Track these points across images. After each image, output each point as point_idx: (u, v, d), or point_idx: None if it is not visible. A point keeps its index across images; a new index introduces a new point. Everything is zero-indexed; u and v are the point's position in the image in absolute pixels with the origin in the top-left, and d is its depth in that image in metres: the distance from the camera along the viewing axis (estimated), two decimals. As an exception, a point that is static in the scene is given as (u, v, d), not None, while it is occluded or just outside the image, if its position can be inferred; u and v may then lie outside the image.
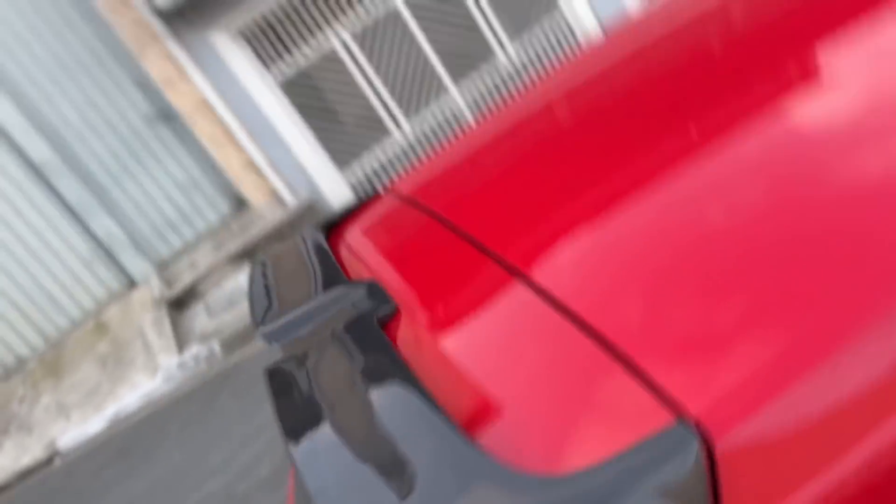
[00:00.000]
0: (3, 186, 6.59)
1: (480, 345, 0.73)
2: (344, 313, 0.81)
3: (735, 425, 0.52)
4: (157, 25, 6.14)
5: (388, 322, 0.81)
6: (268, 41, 6.61)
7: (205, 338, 5.90)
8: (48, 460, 5.59)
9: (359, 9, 6.74)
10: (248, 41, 6.56)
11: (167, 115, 6.94)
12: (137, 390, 5.66)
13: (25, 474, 5.59)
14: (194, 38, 6.34)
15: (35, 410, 6.25)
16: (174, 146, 7.01)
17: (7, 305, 6.80)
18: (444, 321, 0.77)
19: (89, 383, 6.17)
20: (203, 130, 6.53)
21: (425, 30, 6.85)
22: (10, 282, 6.76)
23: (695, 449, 0.49)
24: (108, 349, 6.42)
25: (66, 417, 5.90)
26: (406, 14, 6.82)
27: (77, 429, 5.65)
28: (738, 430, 0.51)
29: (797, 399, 0.49)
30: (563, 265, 0.76)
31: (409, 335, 0.78)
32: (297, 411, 0.67)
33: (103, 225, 6.85)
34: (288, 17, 6.63)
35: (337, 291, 0.85)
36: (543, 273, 0.76)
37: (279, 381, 0.76)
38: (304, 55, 6.68)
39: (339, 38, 6.75)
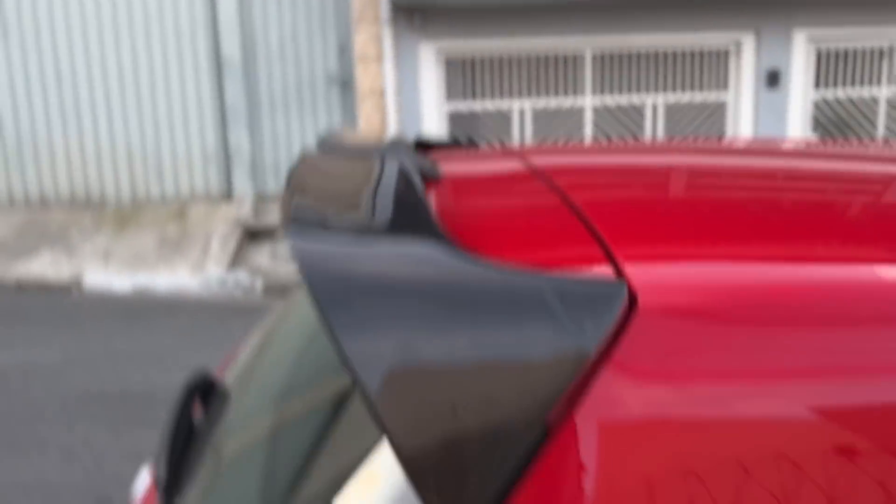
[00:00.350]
0: (186, 60, 7.13)
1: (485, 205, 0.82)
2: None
3: (657, 297, 0.58)
4: (385, 10, 6.63)
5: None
6: (463, 76, 6.98)
7: (254, 272, 6.09)
8: (68, 288, 5.84)
9: (552, 93, 7.04)
10: (447, 67, 6.95)
11: (344, 83, 7.36)
12: (174, 278, 5.87)
13: (44, 287, 5.85)
14: (407, 36, 6.78)
15: (85, 244, 6.57)
16: (333, 109, 7.41)
17: (125, 153, 7.26)
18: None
19: (141, 249, 6.45)
20: (365, 112, 6.89)
21: (596, 129, 7.08)
22: (138, 134, 7.23)
23: (622, 295, 0.56)
24: (175, 234, 6.71)
25: (105, 264, 6.16)
26: (588, 114, 7.07)
27: (107, 277, 5.90)
28: (657, 300, 0.57)
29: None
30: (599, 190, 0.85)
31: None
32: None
33: (238, 136, 7.25)
34: (492, 65, 6.99)
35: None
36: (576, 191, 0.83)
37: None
38: (484, 102, 7.01)
39: (520, 106, 7.05)
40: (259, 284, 5.87)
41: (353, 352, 0.55)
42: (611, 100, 7.13)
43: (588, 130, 7.13)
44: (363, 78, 6.83)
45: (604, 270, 0.62)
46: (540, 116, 7.08)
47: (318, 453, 0.84)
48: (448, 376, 0.55)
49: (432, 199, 0.90)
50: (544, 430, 0.55)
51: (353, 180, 0.91)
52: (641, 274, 0.61)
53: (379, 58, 6.82)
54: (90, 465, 2.96)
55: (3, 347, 4.35)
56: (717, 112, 7.24)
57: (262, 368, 1.09)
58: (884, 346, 0.59)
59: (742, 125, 7.19)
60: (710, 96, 7.20)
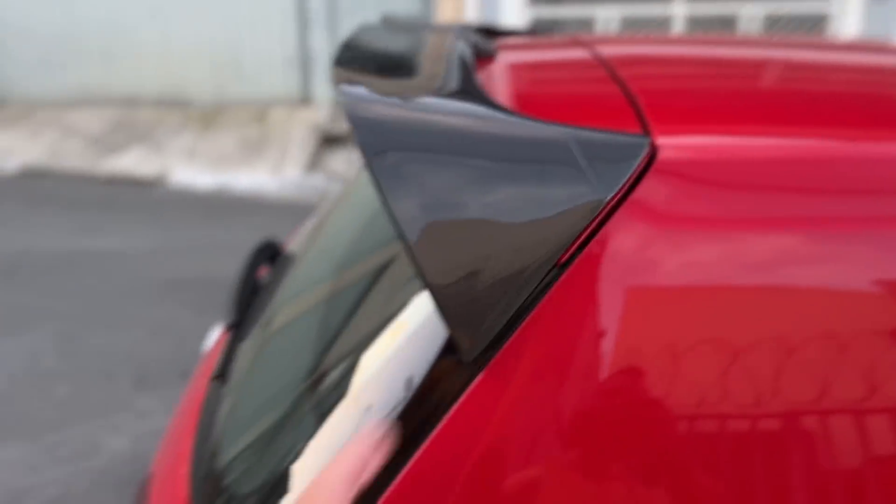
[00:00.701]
0: (268, -41, 7.12)
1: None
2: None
3: (676, 153, 0.60)
4: None
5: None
6: (546, -21, 6.75)
7: (330, 176, 6.23)
8: (154, 183, 6.12)
9: (639, 0, 6.75)
10: (531, -32, 6.73)
11: (426, -13, 7.24)
12: (253, 178, 6.07)
13: (133, 181, 6.15)
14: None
15: (172, 141, 6.83)
16: (413, 9, 7.32)
17: (208, 54, 7.41)
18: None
19: (224, 150, 6.66)
20: (443, 13, 6.78)
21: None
22: (222, 35, 7.35)
23: (643, 148, 0.58)
24: (256, 136, 6.89)
25: (189, 161, 6.41)
26: (678, 24, 6.78)
27: (191, 174, 6.15)
28: (676, 156, 0.59)
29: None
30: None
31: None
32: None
33: (320, 39, 7.29)
34: (577, -31, 6.73)
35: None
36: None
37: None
38: (569, 8, 6.79)
39: (606, 14, 6.80)
40: (334, 188, 6.02)
41: (392, 196, 0.59)
42: (704, 8, 6.79)
43: (675, 41, 6.83)
44: (444, -18, 6.70)
45: (632, 129, 0.65)
46: (627, 25, 6.83)
47: (361, 312, 0.90)
48: (475, 219, 0.59)
49: (484, 70, 0.93)
50: (557, 270, 0.59)
51: (406, 46, 0.95)
52: (666, 135, 0.63)
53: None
54: (174, 342, 3.19)
55: (97, 233, 4.65)
56: (818, 25, 6.81)
57: (324, 237, 1.16)
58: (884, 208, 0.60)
59: (844, 40, 6.75)
60: (812, 6, 6.77)
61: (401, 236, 0.59)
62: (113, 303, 3.60)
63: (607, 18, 6.81)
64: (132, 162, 6.41)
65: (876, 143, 0.65)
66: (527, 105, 0.78)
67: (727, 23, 6.84)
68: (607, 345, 0.60)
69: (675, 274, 0.60)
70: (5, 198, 5.57)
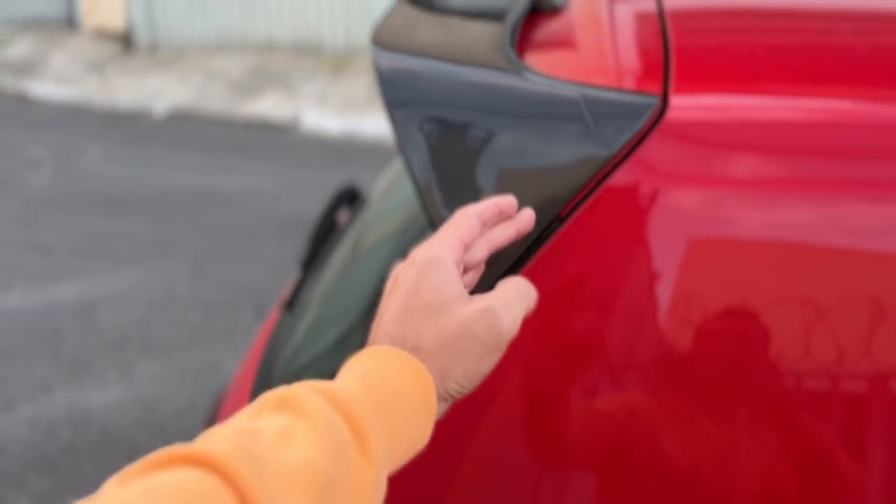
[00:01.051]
0: None
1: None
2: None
3: (686, 114, 0.62)
4: None
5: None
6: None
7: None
8: (287, 127, 6.42)
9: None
10: None
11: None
12: (380, 124, 6.24)
13: (267, 125, 6.49)
14: None
15: (304, 86, 7.12)
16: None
17: (341, 0, 7.60)
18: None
19: (354, 94, 6.87)
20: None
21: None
22: (354, -18, 7.50)
23: (651, 107, 0.61)
24: (382, 82, 7.04)
25: (321, 106, 6.67)
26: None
27: (322, 119, 6.40)
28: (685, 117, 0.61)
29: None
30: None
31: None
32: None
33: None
34: None
35: None
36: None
37: None
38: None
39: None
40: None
41: (407, 144, 0.65)
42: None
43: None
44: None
45: (653, 88, 0.67)
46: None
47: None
48: (482, 169, 0.64)
49: (541, 27, 0.95)
50: (558, 222, 0.63)
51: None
52: (683, 95, 0.65)
53: None
54: (292, 277, 3.41)
55: (231, 174, 4.98)
56: None
57: (394, 184, 1.24)
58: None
59: None
60: None
61: (413, 181, 0.64)
62: (240, 239, 3.88)
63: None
64: (268, 106, 6.75)
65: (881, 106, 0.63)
66: (562, 64, 0.81)
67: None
68: (602, 298, 0.64)
69: (674, 232, 0.62)
70: (153, 139, 6.04)
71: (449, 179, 0.64)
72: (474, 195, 0.63)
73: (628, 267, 0.63)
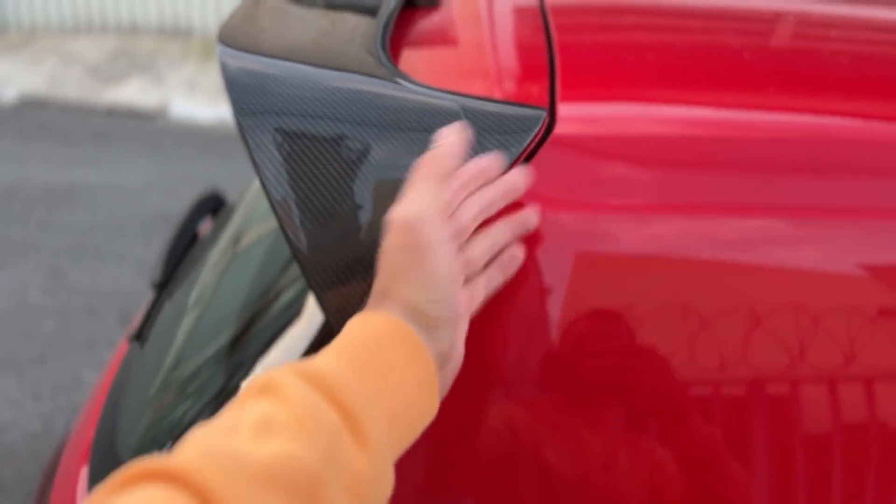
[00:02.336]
0: None
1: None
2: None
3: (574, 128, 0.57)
4: None
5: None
6: None
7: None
8: (154, 115, 6.06)
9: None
10: None
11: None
12: (254, 111, 5.99)
13: (132, 113, 6.09)
14: None
15: (172, 73, 6.73)
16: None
17: (209, -20, 7.23)
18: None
19: (224, 82, 6.56)
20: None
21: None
22: (223, -38, 7.15)
23: (541, 121, 0.54)
24: (257, 68, 6.76)
25: (190, 93, 6.33)
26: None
27: (192, 107, 6.08)
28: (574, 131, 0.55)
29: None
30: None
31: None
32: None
33: (322, -32, 7.07)
34: None
35: None
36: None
37: None
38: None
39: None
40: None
41: (262, 164, 0.56)
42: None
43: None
44: None
45: (537, 101, 0.60)
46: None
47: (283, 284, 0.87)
48: (351, 192, 0.55)
49: (416, 24, 0.88)
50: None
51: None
52: (571, 109, 0.59)
53: None
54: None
55: (92, 167, 4.62)
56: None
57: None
58: (775, 186, 0.56)
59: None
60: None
61: (267, 196, 0.55)
62: (102, 238, 3.60)
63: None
64: (132, 92, 6.33)
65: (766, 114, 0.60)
66: (439, 68, 0.74)
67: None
68: (492, 328, 0.57)
69: (568, 257, 0.56)
70: (2, 129, 5.53)
71: (308, 196, 0.55)
72: (342, 216, 0.55)
73: (525, 294, 0.57)
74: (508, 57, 0.77)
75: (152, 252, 3.44)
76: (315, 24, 0.76)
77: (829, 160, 0.57)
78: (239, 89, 0.58)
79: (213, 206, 1.14)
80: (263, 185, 0.56)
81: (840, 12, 1.04)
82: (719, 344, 0.58)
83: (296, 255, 0.56)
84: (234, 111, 0.57)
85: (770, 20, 0.94)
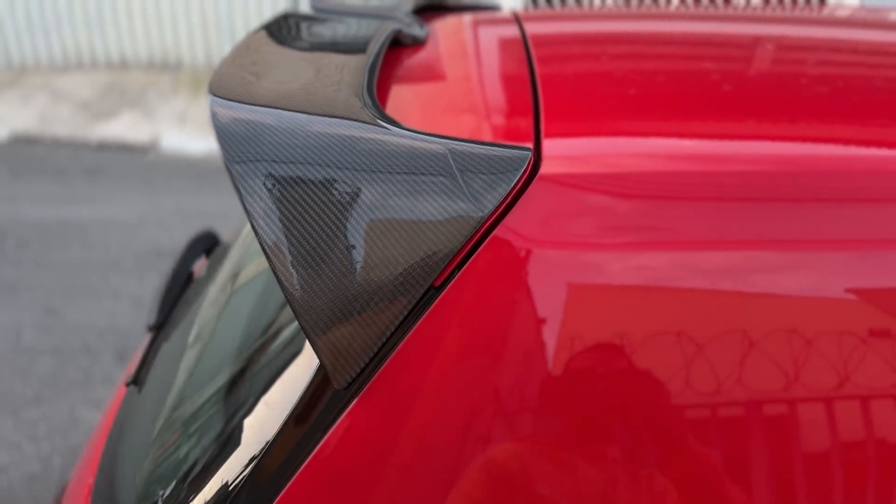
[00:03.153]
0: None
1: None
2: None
3: (561, 167, 0.57)
4: None
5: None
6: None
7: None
8: (145, 148, 6.07)
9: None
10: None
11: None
12: (245, 142, 6.01)
13: (124, 147, 6.10)
14: None
15: (163, 106, 6.76)
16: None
17: (199, 15, 7.29)
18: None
19: (215, 113, 6.59)
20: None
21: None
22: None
23: (525, 162, 0.55)
24: (247, 99, 6.80)
25: (181, 126, 6.35)
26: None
27: (182, 139, 6.10)
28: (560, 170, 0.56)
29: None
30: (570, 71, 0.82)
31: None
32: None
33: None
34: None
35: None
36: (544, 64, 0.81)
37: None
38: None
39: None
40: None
41: (254, 210, 0.57)
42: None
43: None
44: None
45: (523, 141, 0.61)
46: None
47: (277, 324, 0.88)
48: (342, 237, 0.56)
49: (402, 64, 0.89)
50: (433, 291, 0.57)
51: (321, 40, 0.91)
52: (556, 148, 0.60)
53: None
54: (156, 314, 3.18)
55: (85, 203, 4.62)
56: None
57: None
58: (756, 222, 0.57)
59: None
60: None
61: (262, 249, 0.56)
62: (96, 274, 3.59)
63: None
64: (123, 127, 6.36)
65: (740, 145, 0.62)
66: (426, 104, 0.75)
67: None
68: (486, 369, 0.58)
69: (558, 298, 0.57)
70: (-6, 166, 5.53)
71: (299, 240, 0.56)
72: (333, 261, 0.56)
73: (515, 338, 0.58)
74: (493, 93, 0.78)
75: (147, 287, 3.43)
76: (303, 69, 0.77)
77: (813, 190, 0.58)
78: (230, 138, 0.59)
79: (208, 245, 1.15)
80: (255, 231, 0.57)
81: (817, 35, 1.07)
82: (714, 370, 0.59)
83: (289, 300, 0.56)
84: (226, 160, 0.58)
85: (749, 47, 0.96)
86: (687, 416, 0.60)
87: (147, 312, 3.18)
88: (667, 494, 0.61)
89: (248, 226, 1.16)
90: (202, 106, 6.71)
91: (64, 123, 6.46)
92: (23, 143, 6.16)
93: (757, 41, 0.99)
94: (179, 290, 1.05)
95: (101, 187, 5.01)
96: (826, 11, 1.26)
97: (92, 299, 3.34)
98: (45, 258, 3.77)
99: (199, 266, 1.14)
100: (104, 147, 6.11)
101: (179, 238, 3.99)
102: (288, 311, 0.83)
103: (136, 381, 0.89)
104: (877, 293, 0.58)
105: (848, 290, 0.58)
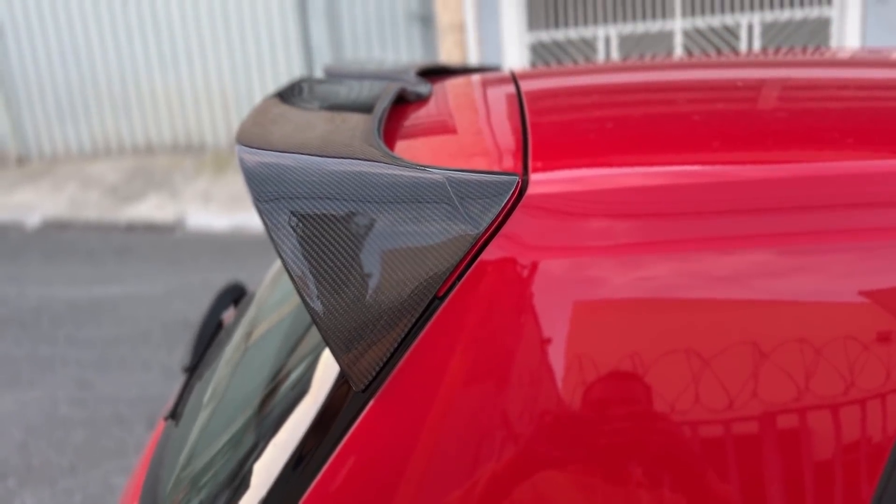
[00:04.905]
0: (272, 4, 7.32)
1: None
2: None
3: (544, 190, 0.66)
4: (462, -60, 6.54)
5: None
6: (545, 4, 6.85)
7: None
8: (172, 228, 6.26)
9: (638, 17, 6.82)
10: (528, -6, 6.83)
11: (425, 19, 7.38)
12: (267, 216, 6.18)
13: (151, 227, 6.30)
14: (486, -33, 6.69)
15: (187, 187, 7.00)
16: (415, 46, 7.45)
17: (219, 95, 7.60)
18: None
19: (238, 191, 6.80)
20: (445, 47, 6.90)
21: (686, 54, 6.80)
22: (231, 78, 7.53)
23: (512, 185, 0.64)
24: (268, 175, 7.02)
25: (205, 204, 6.56)
26: (677, 38, 6.82)
27: (207, 217, 6.29)
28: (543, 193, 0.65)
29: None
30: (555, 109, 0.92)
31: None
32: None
33: (324, 77, 7.43)
34: (573, -8, 6.82)
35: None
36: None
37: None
38: (567, 31, 6.87)
39: (606, 32, 6.86)
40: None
41: (280, 239, 0.65)
42: (702, 21, 6.83)
43: (677, 55, 6.87)
44: (443, 13, 6.82)
45: (513, 167, 0.70)
46: (626, 42, 6.88)
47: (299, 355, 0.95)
48: (357, 257, 0.64)
49: (408, 117, 0.99)
50: (438, 301, 0.65)
51: (334, 100, 1.01)
52: (541, 171, 0.68)
53: (458, -10, 6.77)
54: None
55: (115, 281, 4.77)
56: (819, 30, 6.81)
57: (279, 281, 1.22)
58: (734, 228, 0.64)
59: (848, 43, 6.74)
60: (812, 12, 6.77)
61: (289, 275, 0.64)
62: (127, 348, 3.70)
63: (607, 37, 6.88)
64: (149, 209, 6.58)
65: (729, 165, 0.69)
66: (430, 149, 0.84)
67: (727, 33, 6.87)
68: (489, 371, 0.65)
69: (543, 302, 0.64)
70: (27, 252, 5.74)
71: (323, 268, 0.64)
72: (351, 282, 0.64)
73: (513, 337, 0.65)
74: (488, 136, 0.87)
75: (176, 357, 3.52)
76: (317, 125, 0.86)
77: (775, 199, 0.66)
78: (256, 179, 0.68)
79: (235, 296, 1.24)
80: (282, 259, 0.65)
81: (767, 75, 1.15)
82: (725, 383, 0.64)
83: (314, 320, 0.64)
84: (253, 198, 0.67)
85: (719, 89, 1.05)
86: (699, 433, 0.64)
87: (177, 380, 3.27)
88: None
89: (265, 282, 1.25)
90: (225, 185, 6.94)
91: (93, 207, 6.71)
92: (55, 228, 6.39)
93: (724, 84, 1.08)
94: (210, 335, 1.13)
95: (129, 266, 5.17)
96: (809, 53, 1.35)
97: (123, 371, 3.43)
98: (78, 335, 3.89)
99: (228, 315, 1.23)
100: (132, 228, 6.32)
101: (204, 309, 4.09)
102: (298, 353, 0.91)
103: (174, 415, 0.96)
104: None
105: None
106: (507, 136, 0.83)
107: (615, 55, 6.90)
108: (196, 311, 4.12)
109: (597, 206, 0.66)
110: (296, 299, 1.06)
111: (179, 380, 3.26)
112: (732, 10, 6.78)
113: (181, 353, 3.56)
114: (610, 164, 0.72)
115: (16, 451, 2.83)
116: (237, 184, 6.94)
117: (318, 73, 7.41)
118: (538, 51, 6.95)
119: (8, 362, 3.61)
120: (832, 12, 6.74)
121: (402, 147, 0.87)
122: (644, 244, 0.65)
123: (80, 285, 4.72)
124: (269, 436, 0.79)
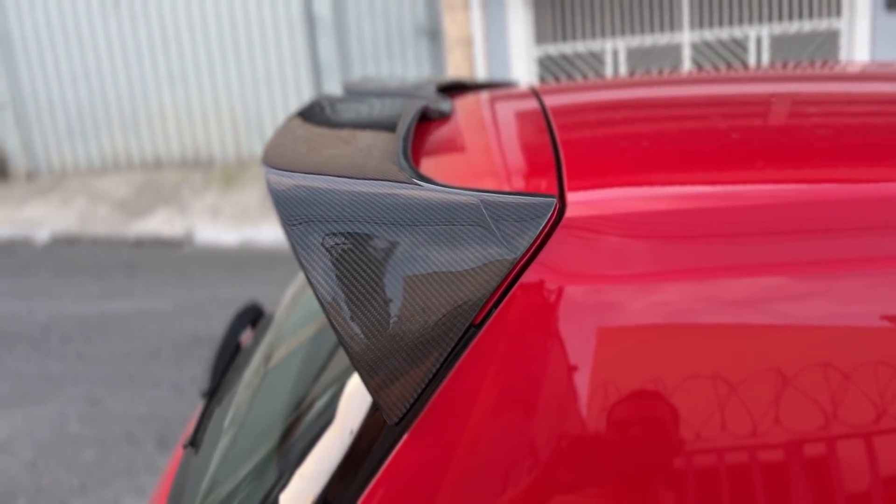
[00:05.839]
0: (280, 20, 7.35)
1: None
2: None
3: (583, 212, 0.64)
4: (469, -46, 6.56)
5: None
6: (553, 18, 6.85)
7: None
8: (180, 242, 6.26)
9: (646, 30, 6.82)
10: (536, 9, 6.84)
11: (433, 34, 7.39)
12: (276, 231, 6.18)
13: (159, 242, 6.30)
14: (493, -19, 6.70)
15: (195, 201, 7.00)
16: (423, 60, 7.47)
17: (227, 111, 7.62)
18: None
19: (247, 205, 6.80)
20: (453, 61, 6.91)
21: (695, 66, 6.79)
22: (239, 94, 7.56)
23: (550, 208, 0.62)
24: (276, 189, 7.02)
25: (214, 219, 6.55)
26: (686, 51, 6.81)
27: (215, 231, 6.28)
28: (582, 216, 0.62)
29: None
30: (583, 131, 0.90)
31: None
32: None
33: (335, 90, 7.45)
34: (583, 3, 6.83)
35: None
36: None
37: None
38: (575, 44, 6.87)
39: (613, 45, 6.86)
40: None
41: (310, 265, 0.63)
42: (710, 34, 6.82)
43: (686, 68, 6.86)
44: (451, 27, 6.83)
45: (548, 187, 0.68)
46: (634, 55, 6.88)
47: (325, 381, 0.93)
48: (389, 285, 0.62)
49: (432, 134, 0.97)
50: (473, 329, 0.62)
51: (355, 117, 0.99)
52: (578, 194, 0.66)
53: (466, 5, 6.78)
54: (196, 399, 3.23)
55: (124, 297, 4.76)
56: (828, 42, 6.79)
57: (300, 300, 1.20)
58: (771, 253, 0.62)
59: (857, 55, 6.72)
60: (820, 24, 6.75)
61: (318, 301, 0.62)
62: (137, 364, 3.68)
63: (615, 50, 6.87)
64: (158, 224, 6.58)
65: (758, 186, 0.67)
66: (457, 168, 0.82)
67: (735, 46, 6.86)
68: (527, 401, 0.62)
69: (588, 328, 0.62)
70: (36, 267, 5.74)
71: (354, 293, 0.62)
72: (382, 308, 0.61)
73: (552, 367, 0.62)
74: (518, 158, 0.85)
75: (186, 374, 3.50)
76: (342, 145, 0.84)
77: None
78: (285, 202, 0.65)
79: (253, 317, 1.21)
80: (311, 283, 0.63)
81: (809, 90, 1.13)
82: (749, 408, 0.62)
83: (344, 347, 0.62)
84: (282, 222, 0.65)
85: (746, 104, 1.02)
86: (729, 459, 0.62)
87: (187, 399, 3.25)
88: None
89: (293, 295, 1.22)
90: (233, 199, 6.94)
91: (102, 222, 6.71)
92: (64, 244, 6.40)
93: (753, 99, 1.06)
94: (228, 359, 1.11)
95: (138, 281, 5.16)
96: (829, 67, 1.33)
97: (133, 388, 3.41)
98: (88, 351, 3.87)
99: (246, 337, 1.21)
100: (141, 243, 6.31)
101: (216, 325, 4.08)
102: (324, 379, 0.88)
103: (193, 443, 0.94)
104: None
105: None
106: (536, 155, 0.81)
107: (623, 68, 6.89)
108: (205, 326, 4.10)
109: (639, 229, 0.63)
110: (318, 323, 1.03)
111: (189, 397, 3.23)
112: (741, 22, 6.77)
113: (191, 370, 3.53)
114: (649, 184, 0.70)
115: (25, 469, 2.80)
116: (245, 198, 6.95)
117: (327, 89, 7.42)
118: (546, 64, 6.95)
119: (18, 379, 3.59)
120: (841, 24, 6.72)
121: (428, 166, 0.85)
122: (693, 270, 0.62)
123: (90, 301, 4.71)
124: (295, 466, 0.76)
